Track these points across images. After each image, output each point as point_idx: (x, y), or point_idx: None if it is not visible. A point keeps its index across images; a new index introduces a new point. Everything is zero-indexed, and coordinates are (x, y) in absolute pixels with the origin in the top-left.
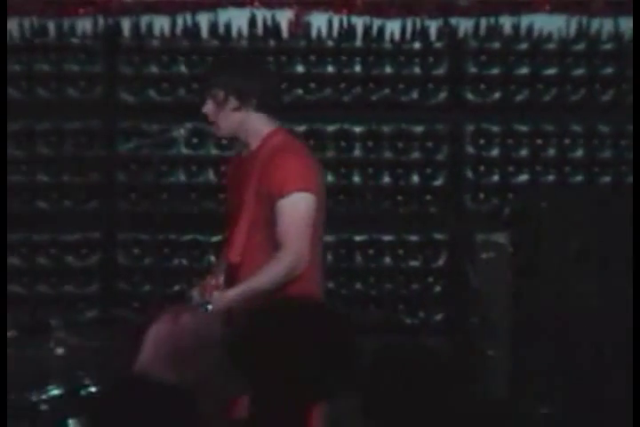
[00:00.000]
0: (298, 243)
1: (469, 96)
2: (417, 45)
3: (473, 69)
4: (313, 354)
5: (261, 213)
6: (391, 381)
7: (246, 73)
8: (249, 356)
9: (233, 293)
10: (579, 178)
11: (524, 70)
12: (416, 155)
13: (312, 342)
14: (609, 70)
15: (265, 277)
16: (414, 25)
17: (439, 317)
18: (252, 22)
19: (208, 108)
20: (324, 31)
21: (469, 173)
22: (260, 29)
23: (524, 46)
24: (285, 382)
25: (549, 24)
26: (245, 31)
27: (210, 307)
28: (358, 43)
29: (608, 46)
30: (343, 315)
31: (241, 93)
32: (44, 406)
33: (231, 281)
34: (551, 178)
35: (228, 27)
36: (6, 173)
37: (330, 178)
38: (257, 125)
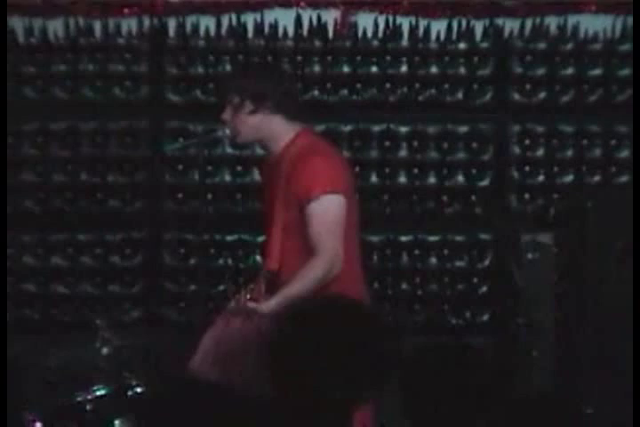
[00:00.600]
0: (331, 246)
1: (515, 96)
2: (462, 46)
3: (518, 70)
4: (349, 354)
5: (292, 218)
6: (435, 380)
7: (259, 75)
8: (287, 358)
9: (271, 304)
10: (624, 178)
11: (570, 71)
12: (461, 155)
13: (348, 342)
14: None
15: (300, 284)
16: (460, 25)
17: (484, 317)
18: (298, 22)
19: (226, 114)
20: (370, 31)
21: (514, 174)
22: (305, 29)
23: (569, 47)
24: (322, 383)
25: (595, 24)
26: (291, 31)
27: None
28: (404, 43)
29: None
30: (379, 314)
31: (255, 96)
32: (89, 406)
33: (272, 287)
34: (596, 178)
35: (273, 27)
36: (6, 173)
37: (375, 178)
38: (277, 128)
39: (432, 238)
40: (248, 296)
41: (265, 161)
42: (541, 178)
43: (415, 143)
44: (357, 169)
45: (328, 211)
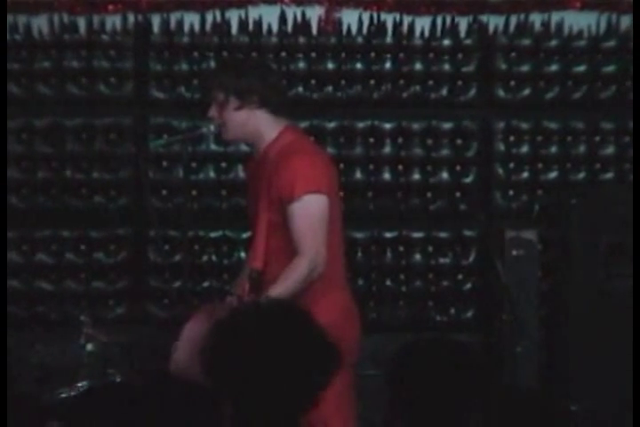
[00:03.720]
0: (314, 246)
1: (499, 93)
2: (447, 42)
3: (503, 66)
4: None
5: (276, 218)
6: (420, 377)
7: (243, 71)
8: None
9: None
10: (608, 175)
11: (554, 67)
12: (446, 152)
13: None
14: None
15: (284, 285)
16: (444, 22)
17: (469, 314)
18: (283, 19)
19: (212, 111)
20: (354, 28)
21: (499, 170)
22: (290, 26)
23: (554, 43)
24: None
25: (579, 21)
26: (275, 28)
27: None
28: (388, 39)
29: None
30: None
31: (240, 92)
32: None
33: (256, 286)
34: (581, 175)
35: (258, 23)
36: (6, 173)
37: (359, 175)
38: (263, 124)
39: (416, 235)
40: (234, 303)
41: (250, 158)
42: (526, 174)
43: (400, 140)
44: (342, 166)
45: (310, 211)
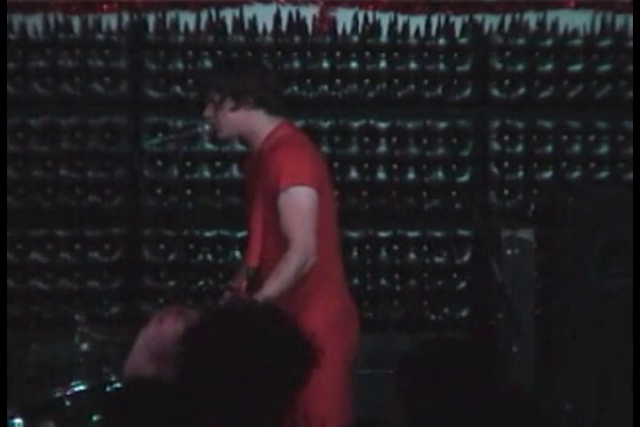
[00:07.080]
0: (303, 239)
1: (494, 92)
2: (442, 41)
3: (498, 65)
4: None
5: (270, 214)
6: (431, 376)
7: (240, 72)
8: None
9: None
10: (604, 174)
11: (549, 66)
12: (441, 151)
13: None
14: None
15: (277, 281)
16: (439, 21)
17: (464, 313)
18: (277, 18)
19: (208, 111)
20: (349, 27)
21: (494, 170)
22: (285, 25)
23: (549, 42)
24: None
25: (575, 20)
26: (270, 27)
27: None
28: (383, 39)
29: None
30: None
31: (236, 93)
32: (68, 402)
33: (254, 284)
34: (576, 174)
35: (253, 23)
36: (6, 173)
37: (354, 174)
38: (259, 124)
39: (411, 234)
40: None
41: (247, 156)
42: (521, 174)
43: (394, 139)
44: (337, 165)
45: (296, 203)
